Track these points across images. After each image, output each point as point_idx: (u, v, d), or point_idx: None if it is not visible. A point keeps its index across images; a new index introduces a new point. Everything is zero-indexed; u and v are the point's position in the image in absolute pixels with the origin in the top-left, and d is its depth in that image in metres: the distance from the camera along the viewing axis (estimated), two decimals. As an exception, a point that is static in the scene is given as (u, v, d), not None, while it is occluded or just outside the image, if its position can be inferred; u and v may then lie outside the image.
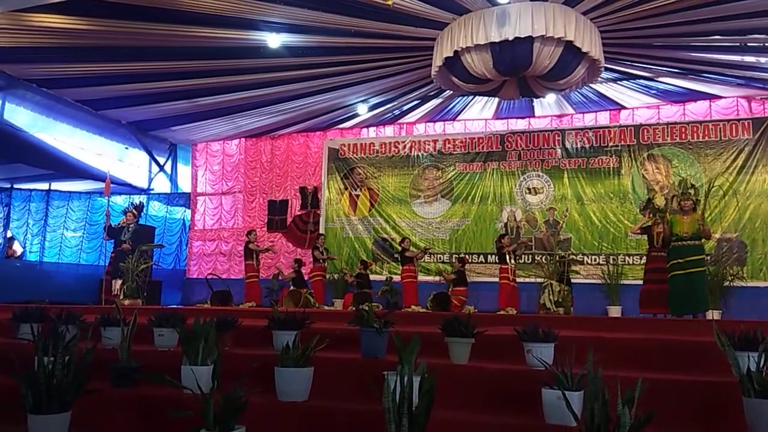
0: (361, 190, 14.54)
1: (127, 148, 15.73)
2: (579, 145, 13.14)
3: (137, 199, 14.94)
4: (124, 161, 15.95)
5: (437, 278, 12.45)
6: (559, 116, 13.82)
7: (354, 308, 8.63)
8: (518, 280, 11.37)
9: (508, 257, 11.02)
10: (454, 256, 13.18)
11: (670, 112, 13.07)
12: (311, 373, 4.08)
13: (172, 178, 17.02)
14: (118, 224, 11.06)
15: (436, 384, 3.06)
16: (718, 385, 3.77)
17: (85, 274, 14.18)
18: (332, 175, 14.80)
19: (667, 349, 4.64)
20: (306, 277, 12.43)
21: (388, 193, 14.35)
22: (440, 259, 13.51)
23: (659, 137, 12.67)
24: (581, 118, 13.67)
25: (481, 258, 13.24)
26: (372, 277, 12.81)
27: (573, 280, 10.56)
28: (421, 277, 12.37)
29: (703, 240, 8.31)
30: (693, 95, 12.66)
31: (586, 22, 9.53)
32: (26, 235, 15.91)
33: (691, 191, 8.34)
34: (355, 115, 14.36)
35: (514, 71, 9.94)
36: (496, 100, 12.77)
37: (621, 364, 4.05)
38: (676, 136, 12.57)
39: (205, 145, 16.28)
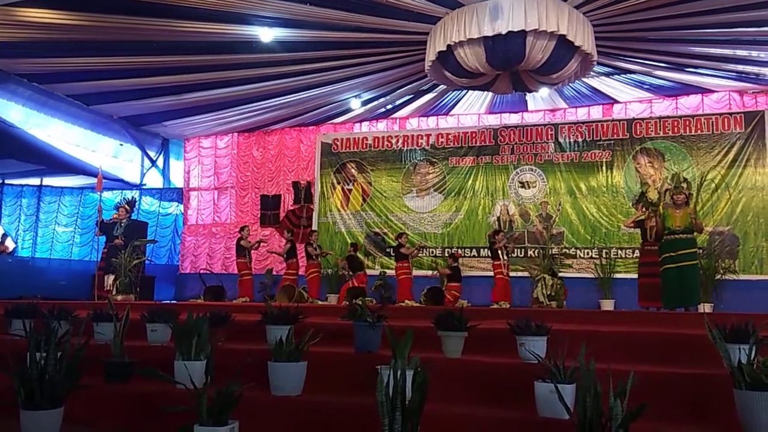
0: (353, 184, 14.54)
1: (122, 145, 15.67)
2: (572, 140, 13.16)
3: (129, 194, 14.89)
4: (118, 157, 15.89)
5: (431, 272, 12.46)
6: (552, 110, 13.84)
7: (347, 303, 8.63)
8: (511, 274, 11.40)
9: (500, 253, 11.06)
10: (447, 251, 13.18)
11: (663, 106, 13.11)
12: (304, 367, 4.08)
13: (165, 174, 16.97)
14: (111, 219, 11.00)
15: (429, 377, 3.06)
16: (709, 378, 3.80)
17: (78, 269, 14.13)
18: (325, 170, 14.78)
19: (659, 342, 4.66)
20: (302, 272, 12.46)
21: (380, 187, 14.34)
22: (432, 253, 13.53)
23: (652, 131, 12.70)
24: (574, 112, 13.69)
25: (474, 252, 13.25)
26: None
27: (565, 274, 10.63)
28: (415, 272, 12.38)
29: (695, 233, 8.34)
30: (685, 89, 12.70)
31: (578, 16, 9.53)
32: (18, 230, 15.84)
33: (684, 185, 8.37)
34: (348, 110, 14.34)
35: (507, 65, 9.93)
36: (489, 94, 12.76)
37: (613, 357, 4.06)
38: (669, 130, 12.60)
39: (197, 140, 16.21)
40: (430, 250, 13.58)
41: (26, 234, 15.93)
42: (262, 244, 13.13)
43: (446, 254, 12.89)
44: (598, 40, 10.15)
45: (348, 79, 12.33)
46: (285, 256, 12.17)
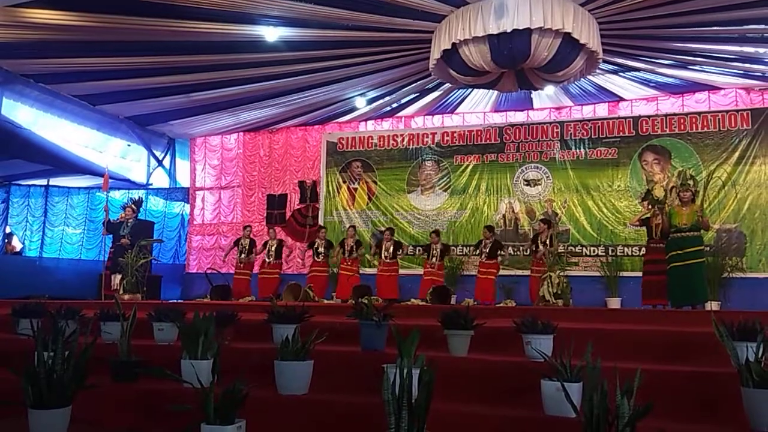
0: (359, 183, 14.55)
1: (129, 145, 15.71)
2: (578, 137, 13.13)
3: (136, 194, 14.93)
4: (125, 157, 15.95)
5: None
6: (558, 108, 13.80)
7: (353, 301, 8.64)
8: (518, 273, 11.37)
9: (479, 250, 11.22)
10: (453, 249, 13.00)
11: (669, 104, 13.05)
12: (311, 366, 4.09)
13: (171, 173, 17.00)
14: (117, 219, 11.07)
15: (435, 376, 3.06)
16: (716, 376, 3.78)
17: (85, 269, 14.18)
18: (331, 169, 14.80)
19: (665, 340, 4.65)
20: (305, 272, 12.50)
21: (386, 185, 14.35)
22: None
23: (658, 129, 12.66)
24: (580, 110, 13.65)
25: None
26: (369, 270, 12.79)
27: (572, 273, 10.61)
28: (418, 270, 12.39)
29: (702, 231, 8.31)
30: (692, 86, 12.64)
31: (584, 14, 9.49)
32: (25, 231, 15.90)
33: (690, 182, 8.34)
34: (354, 109, 14.35)
35: (512, 63, 9.91)
36: (495, 92, 12.71)
37: (620, 355, 4.05)
38: (675, 127, 12.55)
39: (203, 140, 16.25)
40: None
41: (34, 234, 16.00)
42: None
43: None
44: (603, 38, 10.11)
45: (353, 78, 12.33)
46: (274, 255, 12.24)
